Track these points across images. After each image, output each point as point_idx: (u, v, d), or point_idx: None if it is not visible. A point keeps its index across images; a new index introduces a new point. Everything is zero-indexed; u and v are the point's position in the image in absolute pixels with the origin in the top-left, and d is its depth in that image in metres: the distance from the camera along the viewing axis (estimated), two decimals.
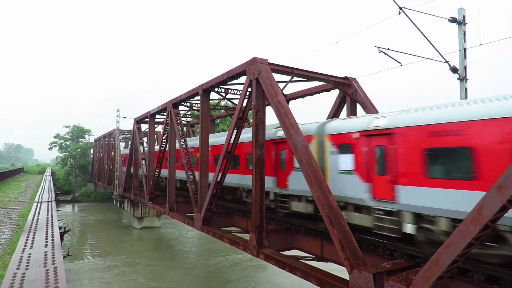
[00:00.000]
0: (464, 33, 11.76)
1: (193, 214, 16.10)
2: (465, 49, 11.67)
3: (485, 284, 6.50)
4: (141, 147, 27.05)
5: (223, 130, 41.30)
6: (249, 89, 11.53)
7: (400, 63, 12.29)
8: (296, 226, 11.86)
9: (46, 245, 7.69)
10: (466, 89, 11.67)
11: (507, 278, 6.20)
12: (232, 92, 16.62)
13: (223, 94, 16.40)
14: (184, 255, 26.47)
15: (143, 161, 26.33)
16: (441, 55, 11.69)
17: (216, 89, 15.49)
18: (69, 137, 59.45)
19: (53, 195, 19.90)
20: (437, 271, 5.53)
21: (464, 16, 11.84)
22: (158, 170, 21.38)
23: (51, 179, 38.16)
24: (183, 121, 23.18)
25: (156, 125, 27.42)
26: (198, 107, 20.52)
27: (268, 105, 11.13)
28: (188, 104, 21.25)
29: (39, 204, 15.39)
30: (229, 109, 23.27)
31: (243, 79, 12.66)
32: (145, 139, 32.22)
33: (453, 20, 11.83)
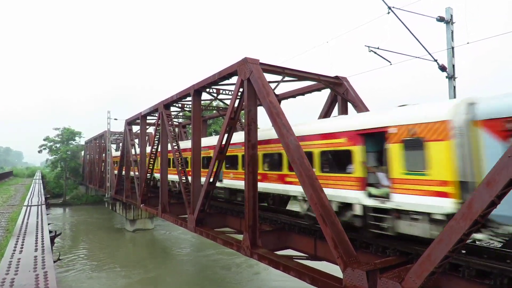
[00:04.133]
0: (452, 32, 11.92)
1: (186, 216, 16.01)
2: (453, 48, 11.83)
3: (476, 279, 6.60)
4: (133, 149, 26.82)
5: (215, 131, 41.20)
6: (241, 89, 11.51)
7: (390, 62, 12.41)
8: (289, 225, 11.89)
9: (36, 250, 7.55)
10: (454, 87, 11.84)
11: (497, 273, 6.30)
12: (224, 92, 16.58)
13: (215, 95, 16.35)
14: (178, 258, 26.30)
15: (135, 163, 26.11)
16: (430, 54, 11.84)
17: (207, 90, 15.43)
18: (59, 139, 58.55)
19: (43, 199, 19.59)
20: (429, 267, 5.59)
21: (451, 15, 12.00)
22: (150, 172, 21.22)
23: (41, 182, 37.54)
24: (175, 122, 23.05)
25: (147, 126, 27.20)
26: (190, 108, 20.42)
27: (260, 105, 11.13)
28: (180, 105, 21.14)
29: (28, 208, 15.12)
30: (221, 110, 23.20)
31: (234, 79, 12.64)
32: (136, 140, 31.93)
33: (440, 19, 11.99)
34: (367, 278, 6.76)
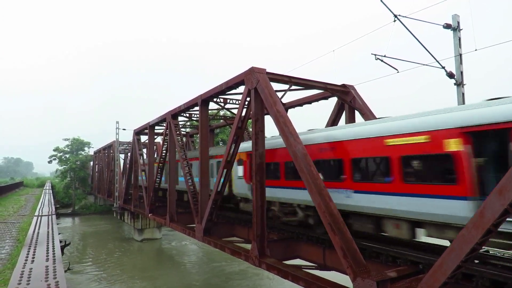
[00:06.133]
0: (459, 39, 11.89)
1: (194, 225, 16.01)
2: (460, 55, 11.79)
3: None
4: (141, 159, 27.05)
5: (222, 140, 41.36)
6: (248, 99, 11.59)
7: (397, 69, 12.39)
8: (297, 234, 11.81)
9: (47, 259, 7.63)
10: (463, 94, 11.75)
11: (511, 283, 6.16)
12: (231, 101, 16.71)
13: (222, 104, 16.48)
14: (187, 268, 26.19)
15: (143, 172, 26.31)
16: (437, 61, 11.80)
17: (215, 99, 15.58)
18: (68, 150, 59.43)
19: (53, 209, 19.81)
20: (441, 277, 5.48)
21: (458, 23, 11.99)
22: (158, 182, 21.34)
23: (51, 192, 37.99)
24: (182, 132, 23.23)
25: (155, 136, 27.47)
26: (197, 117, 20.60)
27: (267, 114, 11.19)
28: (187, 115, 21.34)
29: (39, 218, 15.30)
30: (228, 119, 23.35)
31: (241, 88, 12.75)
32: (144, 150, 32.19)
33: (447, 26, 11.98)
34: None
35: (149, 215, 22.87)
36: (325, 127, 14.70)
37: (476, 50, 10.61)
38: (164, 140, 20.57)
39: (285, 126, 9.56)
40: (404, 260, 8.20)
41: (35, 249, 8.63)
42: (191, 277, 23.48)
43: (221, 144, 39.56)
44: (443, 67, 11.88)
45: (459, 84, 11.78)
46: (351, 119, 14.08)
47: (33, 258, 7.73)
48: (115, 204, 37.37)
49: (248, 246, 11.53)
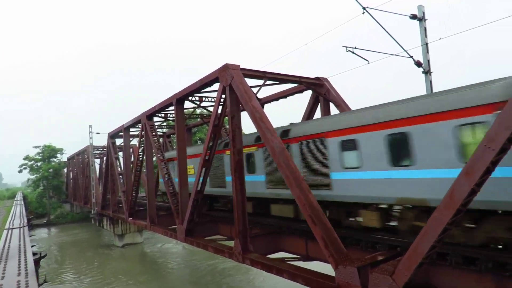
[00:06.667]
0: (425, 29, 12.29)
1: (176, 226, 15.78)
2: (427, 44, 12.19)
3: (463, 266, 6.75)
4: (117, 162, 26.34)
5: (200, 139, 40.92)
6: (223, 96, 11.50)
7: (367, 60, 12.65)
8: (280, 228, 11.89)
9: (19, 274, 7.27)
10: (431, 81, 12.18)
11: (482, 258, 6.47)
12: (207, 100, 16.53)
13: (198, 103, 16.27)
14: (172, 270, 25.83)
15: (120, 176, 25.62)
16: (405, 51, 12.14)
17: (190, 98, 15.34)
18: (40, 157, 56.85)
19: (25, 220, 18.96)
20: (417, 258, 5.69)
21: (423, 13, 12.39)
22: (135, 185, 20.85)
23: (23, 203, 36.33)
24: (159, 132, 22.78)
25: (131, 139, 26.78)
26: (173, 117, 20.23)
27: (243, 110, 11.14)
28: (163, 115, 20.92)
29: (10, 231, 14.58)
30: (204, 117, 23.10)
31: (216, 86, 12.62)
32: (120, 153, 31.37)
33: (413, 17, 12.35)
34: (358, 274, 6.81)
35: (129, 219, 22.33)
36: (301, 120, 14.85)
37: (440, 38, 11.02)
38: (140, 142, 20.07)
39: (261, 122, 9.55)
40: (383, 245, 8.43)
41: (5, 264, 8.21)
42: (184, 278, 23.16)
43: (199, 143, 39.18)
44: (411, 56, 12.24)
45: (427, 72, 12.19)
46: (326, 111, 14.28)
47: (3, 273, 7.35)
48: (92, 210, 36.24)
49: (232, 243, 11.50)
